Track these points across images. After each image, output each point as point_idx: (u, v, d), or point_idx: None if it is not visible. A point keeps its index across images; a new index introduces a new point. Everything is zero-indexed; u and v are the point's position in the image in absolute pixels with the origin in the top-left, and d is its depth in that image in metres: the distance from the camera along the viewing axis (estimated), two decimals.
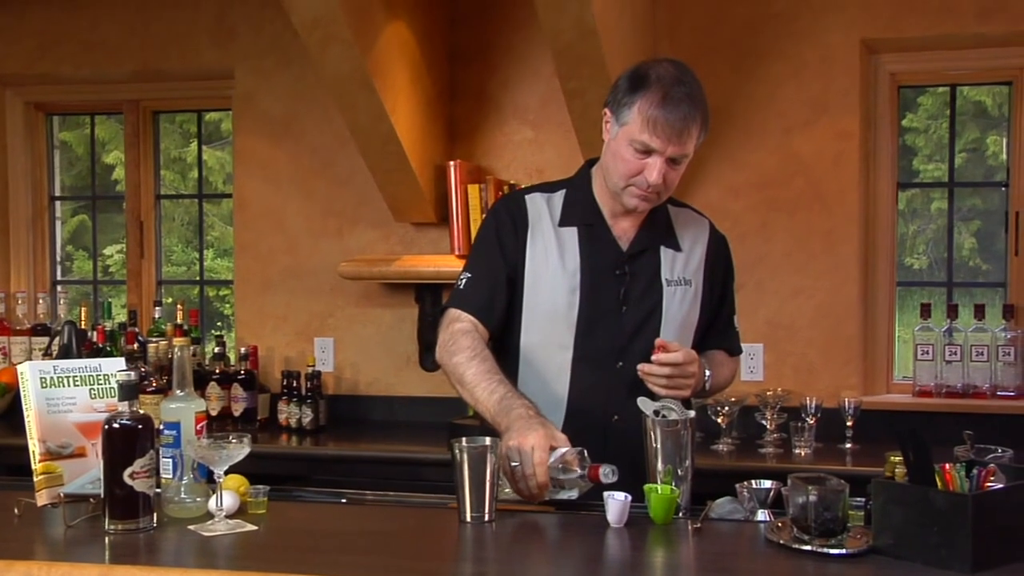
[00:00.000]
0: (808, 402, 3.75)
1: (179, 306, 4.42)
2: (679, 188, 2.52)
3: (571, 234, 2.48)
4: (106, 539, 2.01)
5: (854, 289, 4.01)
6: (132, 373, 2.11)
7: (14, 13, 4.65)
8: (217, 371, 4.25)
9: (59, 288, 4.93)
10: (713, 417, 3.74)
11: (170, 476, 2.22)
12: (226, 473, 2.13)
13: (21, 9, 4.65)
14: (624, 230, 2.50)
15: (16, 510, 2.17)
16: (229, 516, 2.11)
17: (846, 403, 3.78)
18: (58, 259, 5.07)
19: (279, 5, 3.71)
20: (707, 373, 2.48)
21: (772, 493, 2.19)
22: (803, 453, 3.63)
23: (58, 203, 5.08)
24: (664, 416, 2.23)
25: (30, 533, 2.05)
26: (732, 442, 3.77)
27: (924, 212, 5.05)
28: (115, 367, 2.23)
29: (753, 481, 2.21)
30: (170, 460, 2.22)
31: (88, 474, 2.19)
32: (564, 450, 2.18)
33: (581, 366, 2.45)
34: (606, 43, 3.32)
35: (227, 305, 5.84)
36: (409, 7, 3.89)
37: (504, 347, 2.52)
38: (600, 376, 2.44)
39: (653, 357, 2.34)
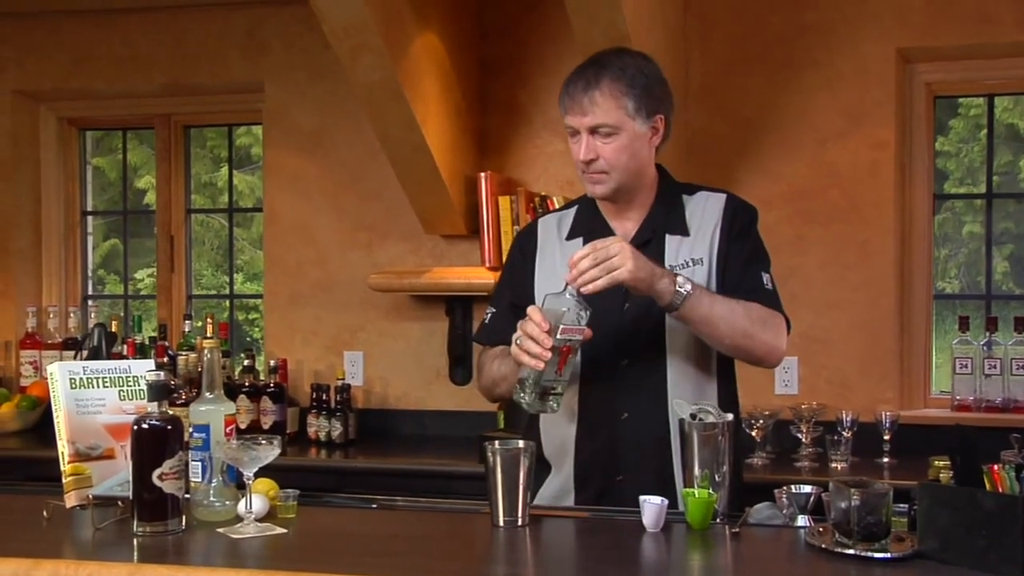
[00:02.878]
0: (844, 416, 3.69)
1: (209, 319, 4.41)
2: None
3: (577, 245, 2.44)
4: (134, 541, 1.99)
5: (890, 302, 3.95)
6: (161, 373, 2.09)
7: (49, 29, 4.69)
8: (247, 384, 4.23)
9: (90, 303, 4.94)
10: (747, 431, 3.67)
11: (199, 479, 2.19)
12: (255, 477, 2.11)
13: (56, 25, 4.68)
14: (628, 230, 2.48)
15: (45, 512, 2.15)
16: (258, 519, 2.08)
17: (883, 417, 3.71)
18: (89, 274, 5.08)
19: (310, 19, 3.73)
20: (680, 280, 2.25)
21: (812, 499, 2.13)
22: (839, 467, 3.56)
23: (90, 222, 5.09)
24: (701, 420, 2.18)
25: (59, 534, 2.03)
26: (767, 456, 3.70)
27: (955, 236, 4.99)
28: (144, 368, 2.21)
29: (792, 486, 2.16)
30: (199, 463, 2.19)
31: (117, 476, 2.18)
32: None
33: (588, 368, 2.41)
34: (638, 50, 3.29)
35: (256, 328, 5.83)
36: (440, 18, 3.89)
37: None
38: (607, 375, 2.41)
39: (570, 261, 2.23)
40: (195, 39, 4.57)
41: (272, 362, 4.28)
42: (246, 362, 4.29)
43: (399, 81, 3.56)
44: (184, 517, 2.07)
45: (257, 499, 2.11)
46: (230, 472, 2.18)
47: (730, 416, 2.21)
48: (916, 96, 3.99)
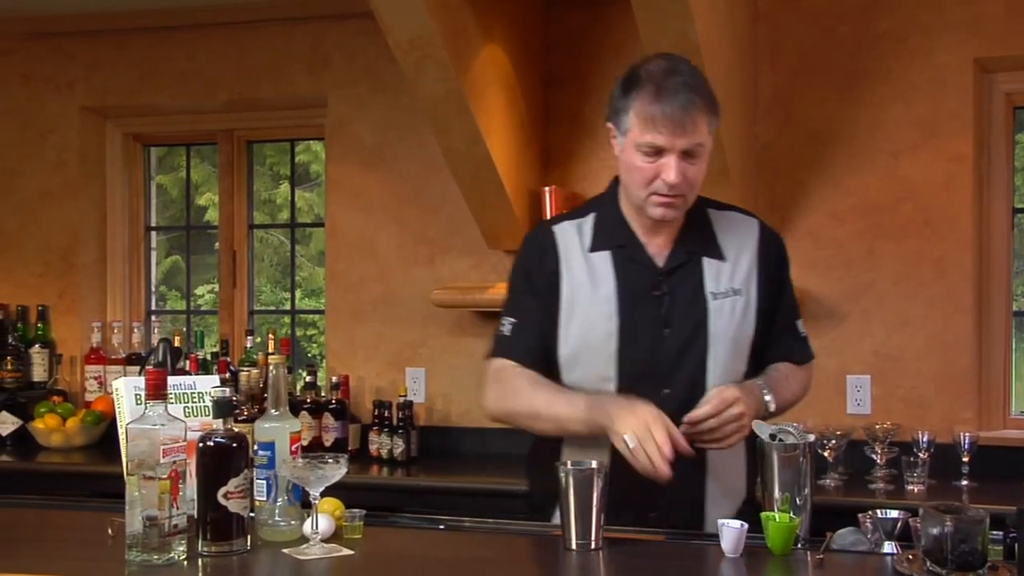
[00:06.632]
0: (919, 436, 3.57)
1: (271, 335, 4.39)
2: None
3: (603, 259, 2.32)
4: (199, 561, 1.95)
5: (967, 319, 3.82)
6: (227, 390, 2.06)
7: (117, 45, 4.72)
8: (308, 400, 4.20)
9: (153, 318, 4.96)
10: (819, 451, 3.57)
11: (264, 498, 2.15)
12: (321, 496, 2.06)
13: (124, 42, 4.71)
14: (660, 247, 2.33)
15: (110, 530, 2.12)
16: (324, 540, 2.03)
17: (962, 437, 3.58)
18: (152, 290, 5.09)
19: (373, 32, 3.70)
20: (767, 398, 2.28)
21: (899, 524, 2.04)
22: (916, 489, 3.44)
23: (153, 238, 5.12)
24: (781, 440, 2.10)
25: (123, 553, 1.99)
26: (840, 477, 3.59)
27: None
28: (209, 384, 2.18)
29: (878, 511, 2.07)
30: (264, 482, 2.15)
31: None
32: None
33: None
34: (708, 61, 3.22)
35: (314, 344, 5.83)
36: (504, 31, 3.84)
37: None
38: None
39: (684, 418, 2.17)
40: (258, 54, 4.57)
41: (334, 378, 4.25)
42: (308, 378, 4.27)
43: (464, 93, 3.51)
44: (249, 537, 2.03)
45: (323, 519, 2.07)
46: (295, 492, 2.14)
47: (811, 437, 2.13)
48: (995, 106, 3.87)
